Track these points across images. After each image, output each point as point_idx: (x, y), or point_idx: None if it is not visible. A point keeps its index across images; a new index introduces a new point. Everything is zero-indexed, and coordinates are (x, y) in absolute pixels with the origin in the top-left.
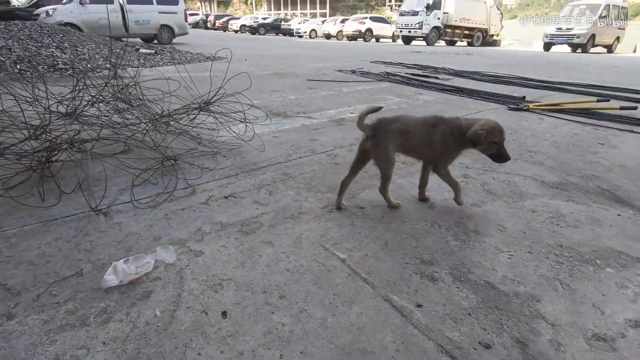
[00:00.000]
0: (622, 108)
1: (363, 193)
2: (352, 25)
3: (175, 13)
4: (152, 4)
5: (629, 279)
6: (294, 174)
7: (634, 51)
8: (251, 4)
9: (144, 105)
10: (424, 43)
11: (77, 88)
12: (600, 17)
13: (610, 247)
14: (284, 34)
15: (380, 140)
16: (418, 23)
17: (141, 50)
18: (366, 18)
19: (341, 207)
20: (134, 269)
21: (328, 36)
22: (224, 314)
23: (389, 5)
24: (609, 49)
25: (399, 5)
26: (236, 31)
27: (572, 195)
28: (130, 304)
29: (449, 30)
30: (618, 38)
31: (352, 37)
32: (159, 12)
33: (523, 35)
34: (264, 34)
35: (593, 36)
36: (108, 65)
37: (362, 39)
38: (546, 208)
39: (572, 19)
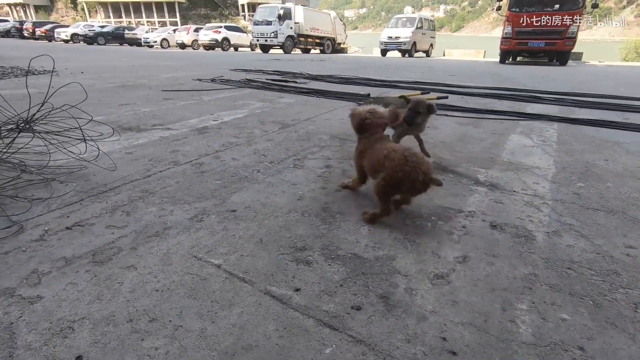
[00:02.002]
0: (438, 98)
1: (234, 196)
2: (208, 34)
3: None
4: None
5: (454, 227)
6: (155, 190)
7: (444, 55)
8: (82, 9)
9: None
10: (281, 51)
11: None
12: (417, 27)
13: (440, 205)
14: (130, 44)
15: None
16: (273, 32)
17: None
18: (221, 27)
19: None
20: None
21: (182, 46)
22: (79, 359)
23: (243, 15)
24: (427, 53)
25: (252, 16)
26: (66, 41)
27: None
28: None
29: (302, 39)
30: (432, 45)
31: (209, 47)
32: None
33: (365, 43)
34: (104, 44)
35: (415, 43)
36: None
37: (220, 49)
38: None
39: (397, 29)
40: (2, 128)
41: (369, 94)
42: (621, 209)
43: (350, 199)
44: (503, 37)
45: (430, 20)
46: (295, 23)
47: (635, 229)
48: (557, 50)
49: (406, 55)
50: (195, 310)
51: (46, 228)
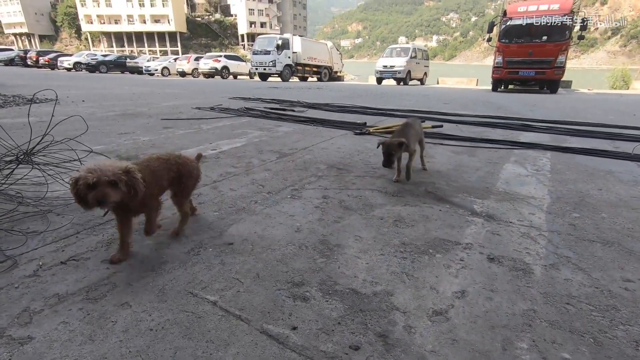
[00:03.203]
0: (433, 127)
1: (231, 228)
2: (208, 63)
3: None
4: None
5: (451, 260)
6: None
7: (437, 83)
8: (86, 39)
9: None
10: (279, 79)
11: None
12: (411, 57)
13: (438, 237)
14: (132, 72)
15: None
16: (271, 61)
17: None
18: (221, 56)
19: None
20: None
21: (183, 74)
22: None
23: (242, 45)
24: (421, 81)
25: (251, 45)
26: (69, 69)
27: (408, 201)
28: None
29: (299, 67)
30: (425, 73)
31: (209, 75)
32: None
33: (361, 72)
34: (106, 72)
35: (409, 72)
36: None
37: (219, 77)
38: (391, 214)
39: (392, 58)
40: (2, 160)
41: (365, 123)
42: (617, 241)
43: (348, 231)
44: (494, 67)
45: (424, 50)
46: (293, 52)
47: (632, 261)
48: (547, 79)
49: (401, 84)
50: (190, 351)
51: (40, 263)
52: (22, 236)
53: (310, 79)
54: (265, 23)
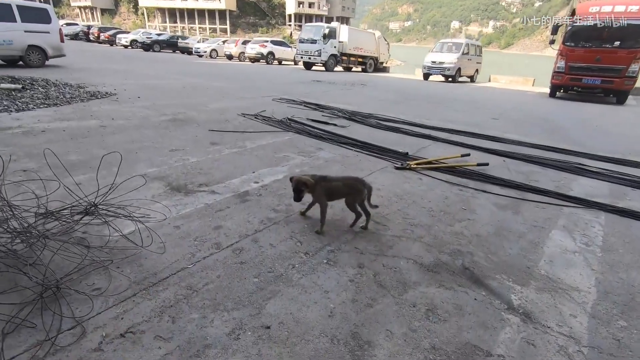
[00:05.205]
0: (478, 164)
1: (269, 304)
2: (254, 47)
3: (48, 33)
4: (14, 21)
5: None
6: (198, 286)
7: (489, 80)
8: (142, 14)
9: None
10: (323, 69)
11: None
12: (463, 53)
13: (469, 342)
14: (182, 52)
15: None
16: (317, 50)
17: (1, 85)
18: (267, 41)
19: None
20: None
21: (230, 57)
22: None
23: (289, 25)
24: (472, 79)
25: (299, 26)
26: (126, 46)
27: (443, 279)
28: None
29: (344, 57)
30: (477, 70)
31: (255, 59)
32: (25, 32)
33: (408, 57)
34: (159, 51)
35: (459, 69)
36: None
37: (264, 62)
38: (424, 300)
39: (442, 54)
40: (72, 211)
41: (406, 153)
42: None
43: (380, 322)
44: (555, 72)
45: (477, 45)
46: (339, 42)
47: None
48: (615, 89)
49: (449, 80)
50: None
51: (104, 333)
52: (88, 298)
53: (354, 69)
54: (313, 3)
